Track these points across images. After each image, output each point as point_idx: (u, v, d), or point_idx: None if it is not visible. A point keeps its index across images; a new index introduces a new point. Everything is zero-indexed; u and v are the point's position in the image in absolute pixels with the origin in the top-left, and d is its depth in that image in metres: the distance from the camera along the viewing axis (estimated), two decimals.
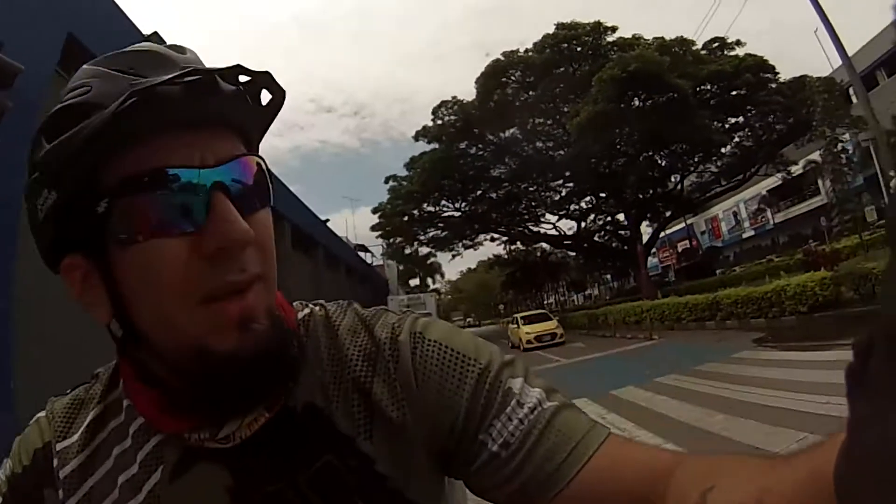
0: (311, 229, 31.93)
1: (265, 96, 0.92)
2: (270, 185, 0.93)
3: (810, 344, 14.64)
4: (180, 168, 0.79)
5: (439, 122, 47.85)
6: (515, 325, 35.42)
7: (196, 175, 0.80)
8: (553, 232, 60.83)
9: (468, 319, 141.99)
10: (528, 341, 31.58)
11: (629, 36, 45.42)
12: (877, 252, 26.91)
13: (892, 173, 19.38)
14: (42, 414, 1.04)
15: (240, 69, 0.84)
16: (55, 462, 0.96)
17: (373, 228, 52.20)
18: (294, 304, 1.13)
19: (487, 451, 0.92)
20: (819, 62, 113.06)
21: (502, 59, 46.53)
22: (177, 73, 0.76)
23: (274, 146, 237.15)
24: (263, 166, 0.92)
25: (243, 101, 0.88)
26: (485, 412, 0.94)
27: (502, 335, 49.39)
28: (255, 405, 0.89)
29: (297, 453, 0.92)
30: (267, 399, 0.90)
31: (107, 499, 0.92)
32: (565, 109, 44.73)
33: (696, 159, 51.22)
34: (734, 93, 44.00)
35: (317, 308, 1.14)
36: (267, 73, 0.88)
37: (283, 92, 0.91)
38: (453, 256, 60.51)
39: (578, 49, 45.73)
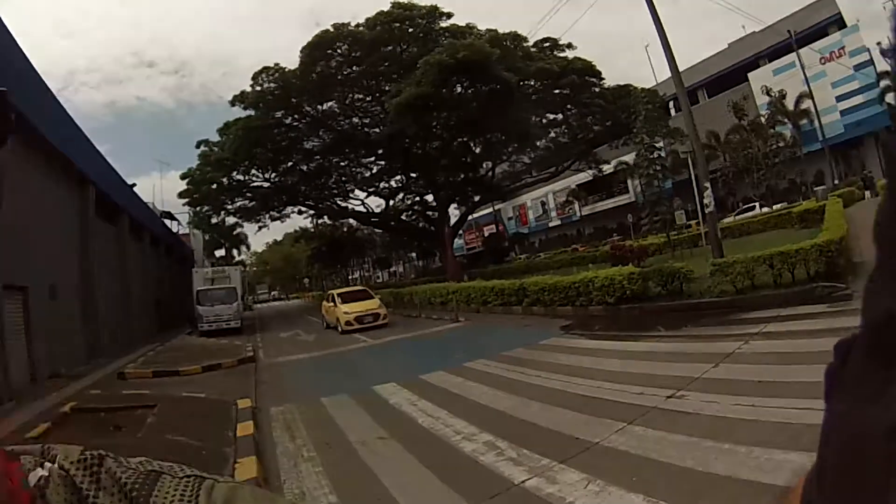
0: (117, 195, 29.70)
1: None
2: None
3: (618, 333, 14.94)
4: None
5: (258, 88, 45.54)
6: (332, 304, 29.51)
7: None
8: (361, 208, 60.85)
9: (273, 293, 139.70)
10: (348, 322, 26.64)
11: (463, 24, 45.38)
12: (683, 251, 28.42)
13: (706, 184, 20.18)
14: None
15: None
16: None
17: (180, 195, 48.95)
18: (19, 456, 0.61)
19: None
20: (644, 74, 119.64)
21: (332, 30, 44.89)
22: None
23: (90, 100, 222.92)
24: None
25: None
26: None
27: (309, 310, 48.52)
28: None
29: None
30: None
31: None
32: (387, 88, 44.10)
33: (510, 149, 52.50)
34: (557, 91, 45.33)
35: (53, 466, 0.62)
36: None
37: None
38: (260, 228, 59.20)
39: (410, 30, 45.13)
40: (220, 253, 79.94)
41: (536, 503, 5.68)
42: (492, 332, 19.93)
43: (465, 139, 48.89)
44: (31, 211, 17.23)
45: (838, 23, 57.04)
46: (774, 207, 44.97)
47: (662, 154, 34.74)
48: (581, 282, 19.94)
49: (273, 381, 15.75)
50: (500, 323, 22.16)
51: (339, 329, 27.05)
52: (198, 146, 47.80)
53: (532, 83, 44.88)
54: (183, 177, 47.26)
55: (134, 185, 36.64)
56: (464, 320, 24.30)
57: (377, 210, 61.42)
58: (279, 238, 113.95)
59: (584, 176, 60.85)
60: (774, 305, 13.60)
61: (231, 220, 60.37)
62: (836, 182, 48.07)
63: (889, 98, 52.35)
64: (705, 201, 20.24)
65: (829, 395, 0.52)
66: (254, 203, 52.99)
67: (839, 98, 54.54)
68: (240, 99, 45.91)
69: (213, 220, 58.68)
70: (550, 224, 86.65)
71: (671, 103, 55.93)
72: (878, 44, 48.23)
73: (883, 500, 0.42)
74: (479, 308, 26.40)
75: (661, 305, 17.09)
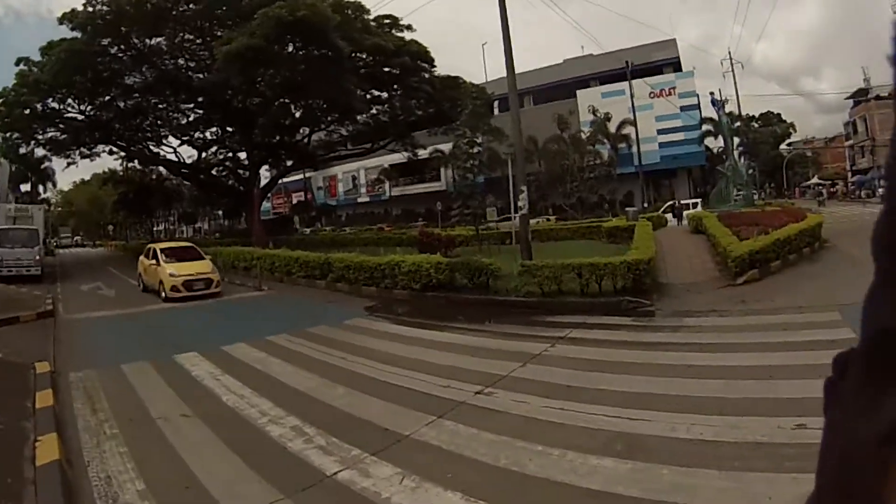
0: None
1: None
2: None
3: (422, 321, 14.98)
4: None
5: (90, 9, 41.88)
6: (153, 261, 23.77)
7: None
8: (173, 157, 58.15)
9: (77, 238, 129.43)
10: (175, 288, 21.56)
11: None
12: (491, 247, 28.78)
13: (523, 187, 20.59)
14: None
15: None
16: None
17: None
18: None
19: None
20: (470, 69, 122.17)
21: None
22: None
23: None
24: None
25: None
26: None
27: (112, 261, 46.55)
28: None
29: None
30: None
31: None
32: (219, 34, 42.28)
33: (329, 118, 52.04)
34: (388, 70, 45.05)
35: None
36: None
37: None
38: (69, 164, 54.80)
39: None
40: (25, 188, 74.13)
41: (352, 498, 5.48)
42: (295, 305, 19.68)
43: (286, 101, 47.76)
44: None
45: (675, 65, 62.61)
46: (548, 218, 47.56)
47: (480, 149, 35.23)
48: (388, 264, 19.85)
49: (72, 340, 14.64)
50: (303, 296, 21.83)
51: (164, 295, 21.83)
52: (17, 64, 43.41)
53: (364, 57, 44.26)
54: None
55: None
56: (267, 289, 23.79)
57: (189, 161, 58.89)
58: (87, 178, 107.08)
59: (399, 157, 61.20)
60: (580, 312, 14.01)
61: (40, 152, 55.54)
62: (646, 205, 50.90)
63: (708, 142, 57.26)
64: (520, 203, 20.65)
65: (828, 406, 0.54)
66: (65, 136, 48.79)
67: (660, 131, 59.78)
68: (69, 17, 42.01)
69: (22, 150, 54.04)
70: (359, 200, 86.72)
71: (496, 103, 57.56)
72: (711, 93, 52.02)
73: None
74: (283, 278, 25.71)
75: (466, 298, 17.25)
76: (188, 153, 59.08)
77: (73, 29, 41.65)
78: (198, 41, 46.91)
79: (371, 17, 44.49)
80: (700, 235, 26.37)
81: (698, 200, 47.32)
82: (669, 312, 13.43)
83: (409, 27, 46.15)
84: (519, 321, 13.88)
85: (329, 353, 11.67)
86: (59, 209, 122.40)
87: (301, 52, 40.59)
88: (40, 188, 78.14)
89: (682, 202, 46.06)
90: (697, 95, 59.87)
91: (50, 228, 76.63)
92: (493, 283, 17.55)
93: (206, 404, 8.70)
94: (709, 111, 56.98)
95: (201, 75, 46.74)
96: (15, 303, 20.28)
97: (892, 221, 0.51)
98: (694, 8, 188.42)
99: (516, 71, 21.55)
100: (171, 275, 21.78)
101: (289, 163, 58.25)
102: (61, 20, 42.17)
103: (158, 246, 25.25)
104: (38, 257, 31.47)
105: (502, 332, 12.83)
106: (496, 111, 58.54)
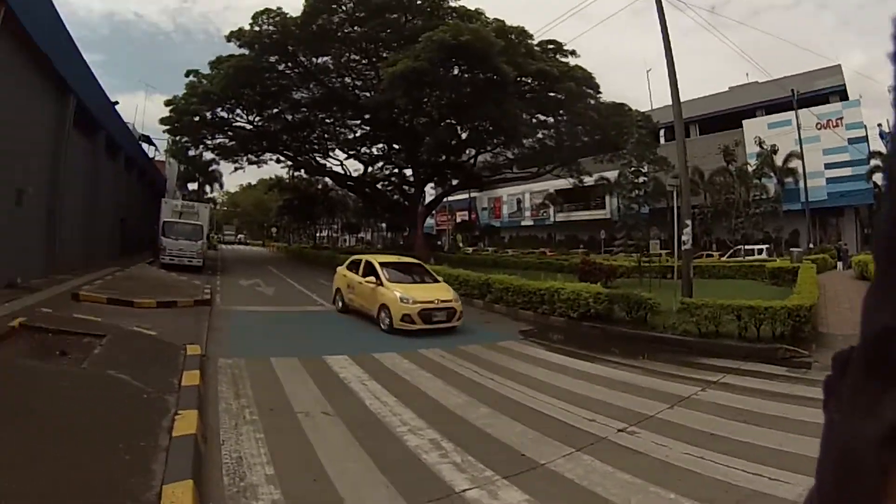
0: (98, 109, 28.67)
1: None
2: None
3: (576, 350, 14.70)
4: None
5: (256, 28, 44.18)
6: (370, 279, 18.39)
7: None
8: (339, 169, 60.38)
9: (240, 236, 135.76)
10: (407, 317, 16.53)
11: (472, 8, 44.46)
12: (651, 280, 28.03)
13: (687, 221, 20.06)
14: None
15: None
16: None
17: (162, 121, 47.09)
18: None
19: None
20: (633, 96, 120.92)
21: None
22: None
23: (88, 7, 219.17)
24: None
25: None
26: None
27: (273, 262, 49.38)
28: None
29: None
30: None
31: None
32: (384, 55, 43.34)
33: (495, 141, 52.16)
34: (553, 95, 44.76)
35: None
36: None
37: None
38: (236, 169, 58.54)
39: (418, 2, 44.13)
40: (192, 186, 78.85)
41: None
42: None
43: (453, 122, 48.34)
44: (6, 109, 16.73)
45: (840, 94, 58.44)
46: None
47: (646, 179, 34.40)
48: (547, 290, 19.64)
49: (226, 329, 15.39)
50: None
51: (387, 323, 16.79)
52: (187, 75, 46.23)
53: (529, 81, 44.26)
54: (167, 103, 45.74)
55: (116, 102, 35.73)
56: None
57: (355, 174, 61.14)
58: (253, 182, 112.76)
59: (564, 183, 60.67)
60: (736, 357, 13.55)
61: (208, 155, 59.77)
62: (811, 246, 48.50)
63: (876, 178, 53.52)
64: (683, 238, 20.13)
65: (827, 405, 0.55)
66: (233, 143, 52.07)
67: (828, 166, 56.00)
68: (237, 35, 44.68)
69: (191, 153, 57.89)
70: (523, 222, 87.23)
71: (662, 132, 56.55)
72: (879, 125, 48.75)
73: None
74: None
75: (622, 331, 16.87)
76: (354, 166, 61.16)
77: (240, 46, 44.19)
78: (363, 62, 48.72)
79: (535, 42, 44.39)
80: (865, 282, 24.99)
81: (765, 247, 46.24)
82: (827, 366, 12.64)
83: (573, 52, 45.76)
84: (672, 360, 13.51)
85: (479, 372, 11.75)
86: (225, 209, 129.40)
87: (466, 75, 40.98)
88: (207, 188, 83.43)
89: (747, 247, 45.37)
90: (865, 126, 55.45)
91: (214, 225, 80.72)
92: (651, 318, 17.13)
93: (349, 406, 8.96)
94: (876, 144, 52.77)
95: (368, 94, 48.30)
96: (174, 289, 21.72)
97: (891, 221, 0.51)
98: (856, 30, 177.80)
99: (682, 99, 21.17)
100: (401, 300, 16.84)
101: (454, 182, 59.38)
102: (229, 38, 44.96)
103: (376, 259, 19.93)
104: (200, 250, 33.81)
105: (654, 370, 12.50)
106: (662, 139, 57.47)
